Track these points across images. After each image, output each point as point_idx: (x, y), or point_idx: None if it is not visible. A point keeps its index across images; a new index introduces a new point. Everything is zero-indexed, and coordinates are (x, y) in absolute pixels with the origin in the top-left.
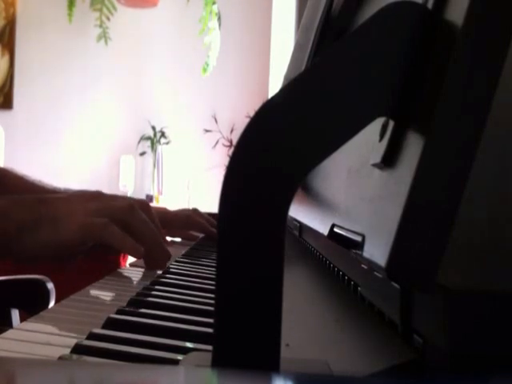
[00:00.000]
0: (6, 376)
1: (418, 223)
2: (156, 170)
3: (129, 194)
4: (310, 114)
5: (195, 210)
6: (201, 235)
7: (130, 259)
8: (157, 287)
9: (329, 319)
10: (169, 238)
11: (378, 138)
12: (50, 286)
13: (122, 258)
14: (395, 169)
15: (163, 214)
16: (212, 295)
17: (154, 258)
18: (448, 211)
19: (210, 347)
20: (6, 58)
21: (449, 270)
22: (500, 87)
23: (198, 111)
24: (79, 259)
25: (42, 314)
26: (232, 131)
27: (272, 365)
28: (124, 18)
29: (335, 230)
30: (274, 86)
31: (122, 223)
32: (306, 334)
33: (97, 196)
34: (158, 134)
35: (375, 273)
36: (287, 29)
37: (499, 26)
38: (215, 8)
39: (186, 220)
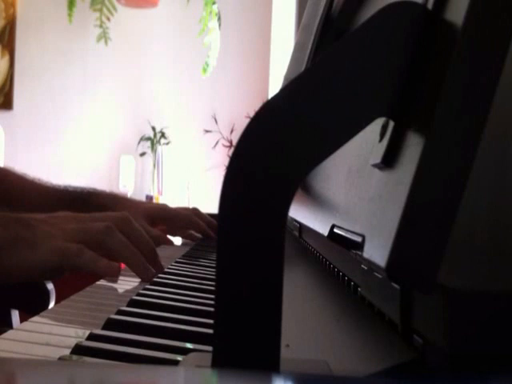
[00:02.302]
0: (6, 376)
1: (418, 223)
2: (156, 170)
3: (129, 195)
4: (309, 114)
5: (195, 210)
6: (200, 236)
7: None
8: (157, 288)
9: (329, 319)
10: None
11: (378, 137)
12: (50, 286)
13: None
14: (395, 169)
15: (163, 210)
16: (212, 296)
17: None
18: (448, 211)
19: (209, 348)
20: (6, 58)
21: (449, 269)
22: (500, 87)
23: (198, 111)
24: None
25: (41, 314)
26: (232, 131)
27: (272, 365)
28: (124, 18)
29: (335, 230)
30: (274, 86)
31: (100, 245)
32: (306, 334)
33: (75, 217)
34: (158, 135)
35: (375, 273)
36: (287, 29)
37: (499, 26)
38: (215, 8)
39: (186, 219)
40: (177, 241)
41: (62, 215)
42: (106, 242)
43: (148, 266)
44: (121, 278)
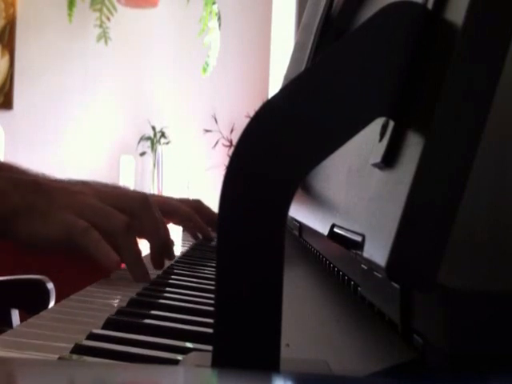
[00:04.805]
0: (6, 376)
1: (418, 223)
2: (156, 170)
3: None
4: (309, 114)
5: (198, 202)
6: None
7: None
8: (157, 287)
9: (329, 319)
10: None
11: (378, 137)
12: (50, 286)
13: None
14: (395, 169)
15: (163, 204)
16: (212, 295)
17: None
18: (448, 211)
19: (209, 347)
20: (6, 58)
21: (449, 269)
22: (500, 87)
23: (198, 111)
24: (78, 258)
25: (42, 313)
26: (232, 131)
27: (272, 365)
28: (124, 18)
29: (335, 229)
30: (274, 86)
31: (111, 238)
32: (306, 334)
33: (98, 191)
34: (158, 134)
35: (375, 273)
36: (287, 29)
37: (499, 26)
38: (215, 8)
39: (186, 216)
40: (177, 237)
41: (83, 184)
42: (118, 241)
43: (146, 277)
44: (121, 277)
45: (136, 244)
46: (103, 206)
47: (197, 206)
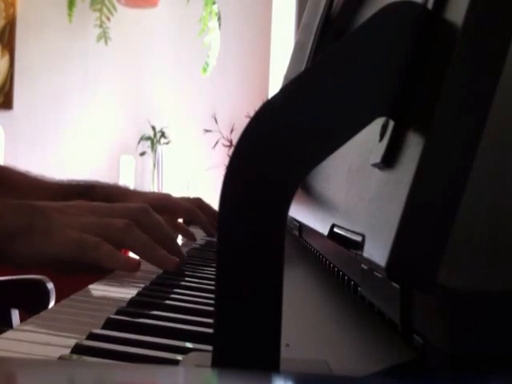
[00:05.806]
0: (6, 376)
1: (418, 223)
2: (156, 170)
3: None
4: (309, 114)
5: (199, 201)
6: (199, 235)
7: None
8: (157, 287)
9: (329, 319)
10: None
11: (378, 137)
12: (50, 286)
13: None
14: (395, 169)
15: (165, 200)
16: (212, 295)
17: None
18: (448, 211)
19: (209, 347)
20: (6, 58)
21: (449, 269)
22: (500, 87)
23: (198, 111)
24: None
25: (42, 314)
26: (232, 131)
27: (272, 365)
28: (124, 18)
29: (335, 229)
30: (274, 86)
31: (119, 243)
32: (306, 334)
33: (92, 208)
34: (158, 134)
35: (375, 273)
36: (287, 29)
37: (499, 26)
38: (215, 8)
39: (187, 211)
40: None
41: (78, 205)
42: (125, 241)
43: (170, 257)
44: (121, 278)
45: (143, 238)
46: (101, 220)
47: (197, 204)
